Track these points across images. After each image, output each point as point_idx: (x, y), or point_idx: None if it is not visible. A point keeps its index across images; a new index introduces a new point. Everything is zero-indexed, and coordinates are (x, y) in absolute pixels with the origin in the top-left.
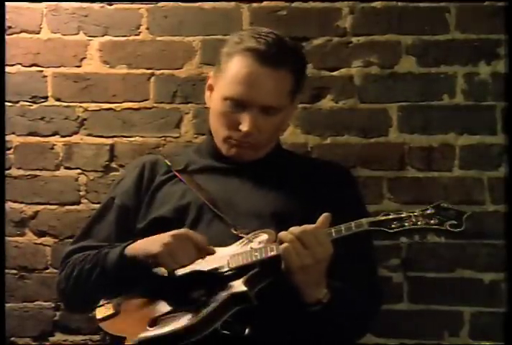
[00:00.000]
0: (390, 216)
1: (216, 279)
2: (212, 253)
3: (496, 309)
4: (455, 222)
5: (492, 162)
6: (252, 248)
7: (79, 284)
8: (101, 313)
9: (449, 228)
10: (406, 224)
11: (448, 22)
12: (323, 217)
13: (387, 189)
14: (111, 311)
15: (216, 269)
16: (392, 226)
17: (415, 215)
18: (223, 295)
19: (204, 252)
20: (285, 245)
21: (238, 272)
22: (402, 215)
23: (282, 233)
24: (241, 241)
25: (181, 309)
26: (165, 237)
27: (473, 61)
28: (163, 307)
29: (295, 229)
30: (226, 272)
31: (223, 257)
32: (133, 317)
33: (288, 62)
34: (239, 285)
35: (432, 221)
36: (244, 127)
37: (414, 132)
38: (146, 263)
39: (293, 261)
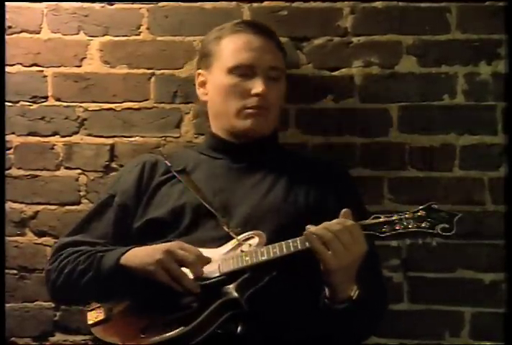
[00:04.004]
0: (381, 219)
1: (207, 285)
2: (208, 262)
3: (496, 309)
4: (446, 225)
5: (492, 162)
6: (242, 251)
7: (70, 282)
8: (92, 317)
9: (440, 232)
10: (397, 228)
11: (449, 22)
12: (344, 213)
13: (388, 189)
14: (102, 316)
15: (207, 277)
16: (383, 229)
17: (406, 218)
18: (214, 301)
19: (201, 263)
20: (321, 245)
21: (229, 277)
22: (393, 218)
23: (321, 231)
24: (232, 242)
25: (173, 316)
26: (157, 252)
27: (474, 61)
28: (154, 313)
29: (331, 226)
30: (217, 277)
31: (214, 261)
32: (124, 323)
33: (272, 34)
34: (230, 291)
35: (423, 224)
36: (259, 88)
37: (415, 132)
38: (142, 276)
39: (333, 262)
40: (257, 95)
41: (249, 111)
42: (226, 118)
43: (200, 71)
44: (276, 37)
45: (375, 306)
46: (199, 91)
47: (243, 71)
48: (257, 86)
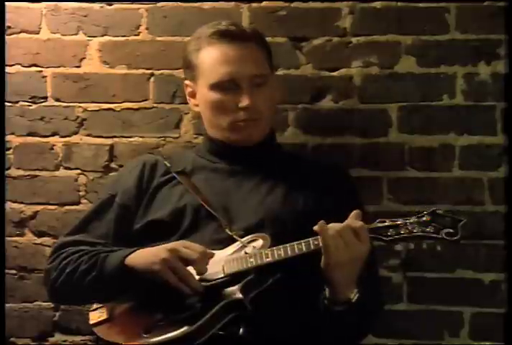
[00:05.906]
0: (386, 223)
1: (211, 286)
2: (212, 256)
3: (496, 309)
4: (451, 230)
5: (492, 162)
6: (246, 253)
7: (71, 282)
8: (94, 317)
9: (445, 237)
10: (402, 232)
11: (448, 22)
12: (355, 214)
13: (387, 189)
14: (104, 316)
15: (211, 278)
16: (389, 233)
17: (410, 223)
18: (218, 302)
19: (206, 260)
20: (326, 240)
21: (233, 278)
22: (398, 222)
23: (324, 228)
24: (235, 244)
25: (176, 316)
26: (162, 252)
27: (473, 61)
28: (157, 313)
29: (337, 225)
30: (221, 278)
31: (218, 263)
32: (127, 323)
33: (250, 36)
34: (234, 293)
35: (428, 229)
36: (244, 102)
37: (414, 132)
38: (147, 277)
39: (332, 257)
40: (244, 108)
41: (241, 123)
42: (219, 130)
43: (187, 82)
44: (256, 37)
45: (372, 308)
46: (190, 102)
47: (225, 86)
48: (243, 100)
